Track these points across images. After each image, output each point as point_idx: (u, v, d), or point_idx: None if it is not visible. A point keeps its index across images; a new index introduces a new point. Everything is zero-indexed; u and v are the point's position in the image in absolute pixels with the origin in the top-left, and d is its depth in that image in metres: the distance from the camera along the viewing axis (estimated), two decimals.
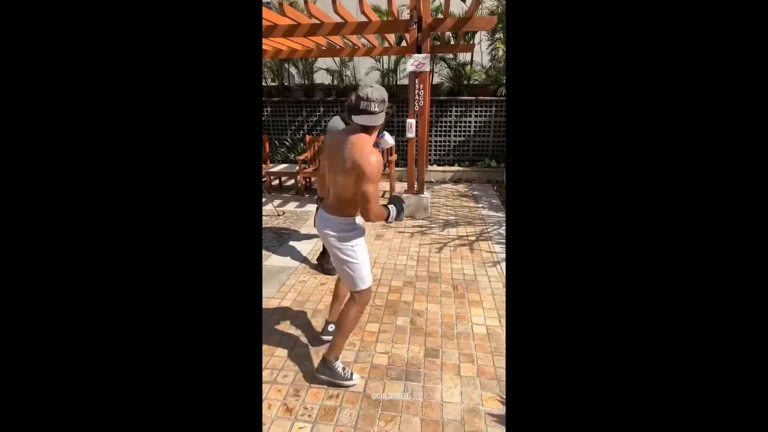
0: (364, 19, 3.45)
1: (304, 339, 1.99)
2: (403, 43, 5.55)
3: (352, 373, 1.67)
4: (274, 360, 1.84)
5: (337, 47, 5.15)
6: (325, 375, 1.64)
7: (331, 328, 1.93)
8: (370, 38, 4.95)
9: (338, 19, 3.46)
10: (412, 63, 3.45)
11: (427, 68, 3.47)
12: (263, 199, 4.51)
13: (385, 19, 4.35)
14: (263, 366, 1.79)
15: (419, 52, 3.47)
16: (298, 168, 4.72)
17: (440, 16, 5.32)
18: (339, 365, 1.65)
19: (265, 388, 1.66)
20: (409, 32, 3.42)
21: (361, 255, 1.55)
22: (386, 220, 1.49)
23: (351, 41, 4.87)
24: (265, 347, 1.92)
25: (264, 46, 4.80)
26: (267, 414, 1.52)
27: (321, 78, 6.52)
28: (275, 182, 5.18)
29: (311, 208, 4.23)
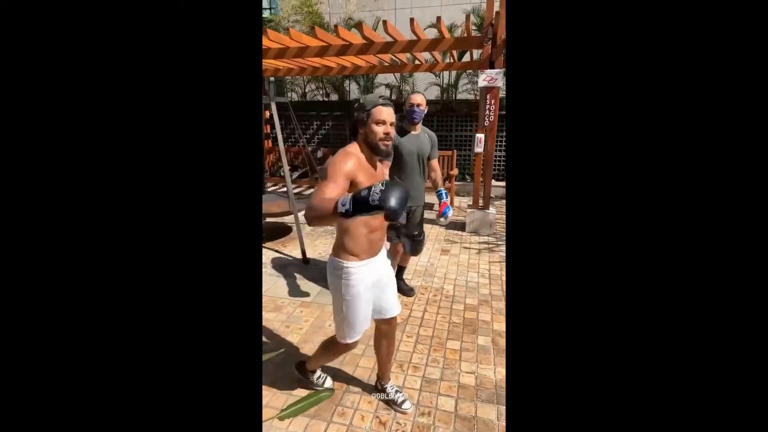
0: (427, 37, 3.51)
1: None
2: (465, 58, 5.57)
3: (325, 379, 1.73)
4: (360, 371, 1.85)
5: (400, 63, 5.27)
6: (302, 377, 1.74)
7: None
8: (434, 54, 5.03)
9: (412, 37, 3.55)
10: (485, 78, 3.43)
11: (500, 84, 3.44)
12: None
13: (453, 35, 4.39)
14: (351, 375, 1.81)
15: (492, 67, 3.45)
16: None
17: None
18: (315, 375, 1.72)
19: (355, 398, 1.67)
20: (483, 48, 3.42)
21: (350, 310, 1.35)
22: (336, 213, 0.95)
23: (415, 56, 4.97)
24: (349, 356, 1.95)
25: (330, 63, 5.04)
26: (361, 425, 1.53)
27: (381, 93, 6.70)
28: None
29: None
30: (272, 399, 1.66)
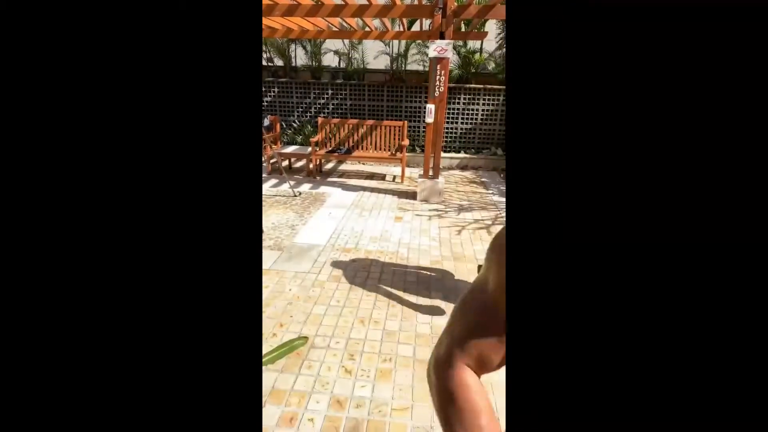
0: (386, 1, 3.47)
1: (347, 309, 2.10)
2: (414, 28, 5.56)
3: None
4: (324, 328, 1.94)
5: (350, 29, 5.13)
6: None
7: None
8: (384, 21, 4.95)
9: (363, 1, 3.47)
10: (435, 48, 3.50)
11: (449, 54, 3.53)
12: (275, 180, 4.53)
13: (403, 2, 4.35)
14: (315, 333, 1.89)
15: (442, 38, 3.52)
16: (310, 150, 4.74)
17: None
18: None
19: (320, 353, 1.77)
20: (434, 17, 3.46)
21: None
22: None
23: (365, 22, 4.86)
24: (311, 317, 2.02)
25: (275, 25, 4.74)
26: (328, 375, 1.63)
27: (328, 60, 6.47)
28: (285, 163, 5.18)
29: (326, 189, 4.29)
30: None
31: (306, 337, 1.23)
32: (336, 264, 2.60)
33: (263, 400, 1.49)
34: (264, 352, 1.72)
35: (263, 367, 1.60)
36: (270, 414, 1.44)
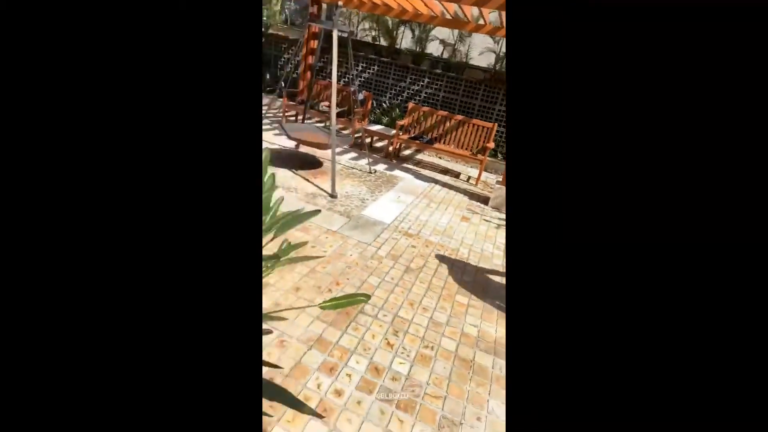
0: None
1: (399, 288, 2.13)
2: None
3: None
4: (375, 299, 2.00)
5: (464, 19, 5.02)
6: None
7: None
8: (501, 15, 4.77)
9: None
10: None
11: None
12: (355, 153, 4.68)
13: None
14: (366, 303, 1.96)
15: None
16: (394, 132, 4.80)
17: None
18: None
19: (368, 320, 1.83)
20: None
21: None
22: None
23: (482, 14, 4.73)
24: (365, 284, 2.09)
25: (391, 3, 4.81)
26: (372, 342, 1.69)
27: (432, 48, 6.44)
28: (367, 140, 5.32)
29: (399, 173, 4.34)
30: (296, 301, 1.82)
31: (368, 295, 1.27)
32: (396, 244, 2.64)
33: (311, 344, 1.60)
34: (320, 301, 1.83)
35: (321, 311, 1.71)
36: (314, 358, 1.54)
